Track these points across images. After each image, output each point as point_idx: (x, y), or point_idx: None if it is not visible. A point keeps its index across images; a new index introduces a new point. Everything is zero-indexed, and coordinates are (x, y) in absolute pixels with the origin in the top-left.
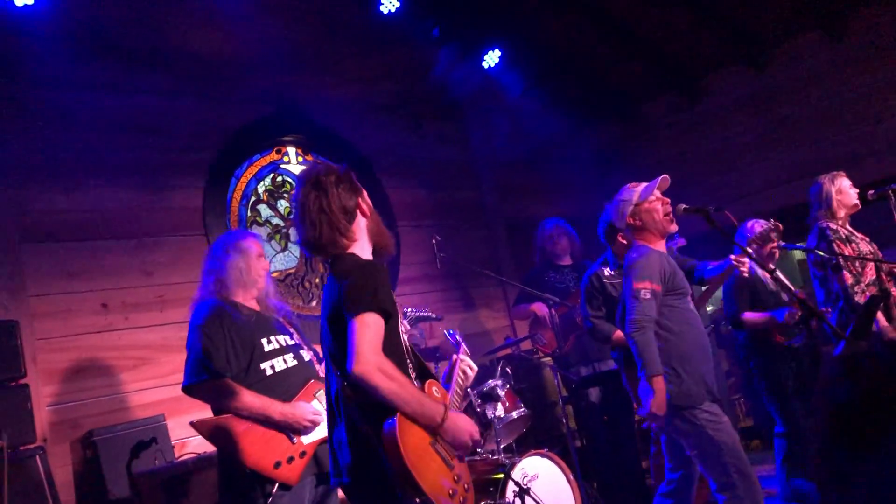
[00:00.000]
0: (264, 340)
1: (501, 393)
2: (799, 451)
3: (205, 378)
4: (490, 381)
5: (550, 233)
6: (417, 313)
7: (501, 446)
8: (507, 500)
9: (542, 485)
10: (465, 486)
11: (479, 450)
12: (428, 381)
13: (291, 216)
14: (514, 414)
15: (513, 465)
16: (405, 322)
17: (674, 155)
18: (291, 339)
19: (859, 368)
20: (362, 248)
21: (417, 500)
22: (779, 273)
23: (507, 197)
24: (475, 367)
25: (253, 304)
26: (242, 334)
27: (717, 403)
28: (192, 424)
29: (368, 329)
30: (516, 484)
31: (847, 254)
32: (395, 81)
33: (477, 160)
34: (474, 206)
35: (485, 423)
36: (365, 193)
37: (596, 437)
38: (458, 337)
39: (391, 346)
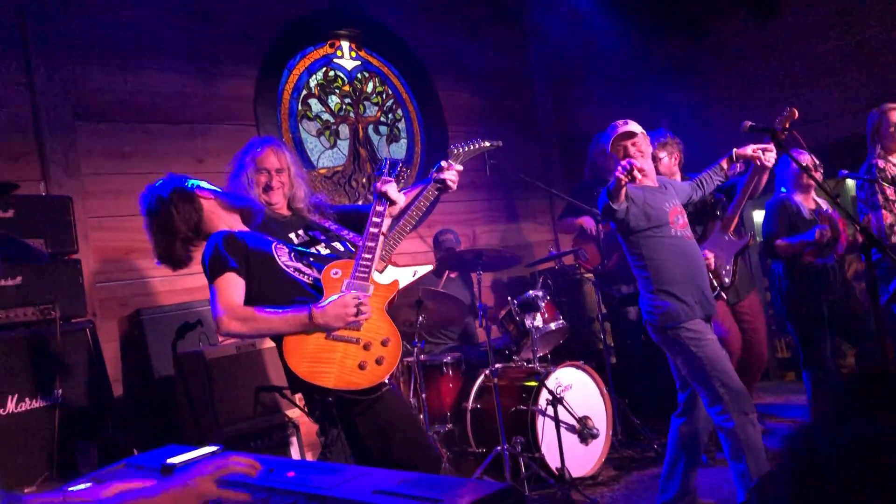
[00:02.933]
0: (292, 235)
1: (542, 304)
2: (825, 382)
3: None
4: (531, 292)
5: (604, 147)
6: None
7: (538, 355)
8: (539, 406)
9: (575, 395)
10: (381, 342)
11: (514, 357)
12: (327, 267)
13: (341, 112)
14: (553, 325)
15: (547, 375)
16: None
17: (740, 75)
18: (312, 231)
19: None
20: (222, 224)
21: (330, 399)
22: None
23: (562, 109)
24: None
25: (284, 211)
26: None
27: (709, 322)
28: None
29: (218, 291)
30: (550, 392)
31: (889, 194)
32: None
33: (533, 70)
34: (528, 117)
35: (522, 332)
36: (204, 183)
37: (632, 356)
38: (386, 167)
39: (263, 283)
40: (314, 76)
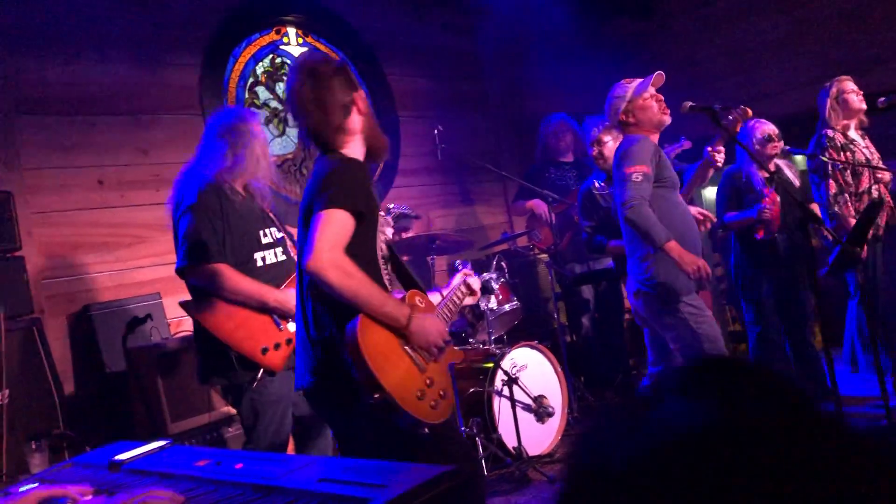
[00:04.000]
0: (261, 232)
1: (495, 286)
2: (768, 349)
3: (200, 262)
4: (484, 274)
5: (555, 128)
6: (399, 209)
7: (493, 337)
8: (495, 388)
9: (530, 375)
10: (441, 392)
11: (470, 340)
12: (411, 291)
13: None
14: (507, 307)
15: (503, 356)
16: (388, 219)
17: (686, 54)
18: (279, 231)
19: None
20: (355, 148)
21: (376, 396)
22: (787, 172)
23: (513, 91)
24: (478, 288)
25: (242, 192)
26: (242, 223)
27: (700, 293)
28: (182, 305)
29: (332, 225)
30: (505, 373)
31: (838, 160)
32: None
33: (482, 51)
34: (478, 99)
35: (477, 315)
36: (362, 92)
37: (586, 334)
38: (468, 265)
39: (362, 247)
40: (261, 63)
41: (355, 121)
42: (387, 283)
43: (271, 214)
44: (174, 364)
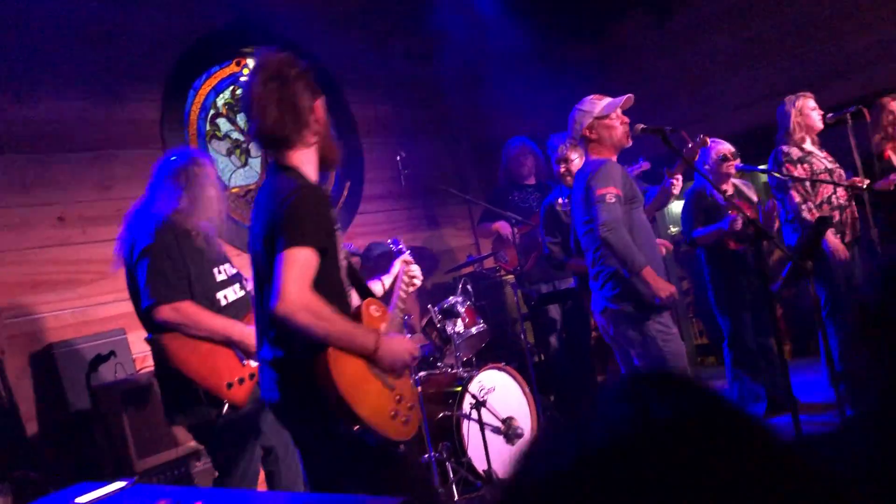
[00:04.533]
0: (216, 270)
1: (461, 309)
2: (746, 361)
3: (167, 300)
4: (451, 298)
5: (516, 152)
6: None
7: (461, 361)
8: (464, 411)
9: (499, 397)
10: (409, 405)
11: (438, 364)
12: (366, 301)
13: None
14: (473, 329)
15: (470, 379)
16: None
17: (643, 75)
18: (232, 267)
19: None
20: (307, 160)
21: (356, 427)
22: (741, 186)
23: (474, 115)
24: (420, 276)
25: (196, 232)
26: (197, 260)
27: (668, 312)
28: (148, 341)
29: (296, 265)
30: (473, 396)
31: (796, 174)
32: None
33: (444, 77)
34: (440, 124)
35: (444, 339)
36: (323, 99)
37: (554, 353)
38: (400, 245)
39: (327, 279)
40: (221, 95)
41: (314, 127)
42: (351, 303)
43: (223, 251)
44: (140, 400)
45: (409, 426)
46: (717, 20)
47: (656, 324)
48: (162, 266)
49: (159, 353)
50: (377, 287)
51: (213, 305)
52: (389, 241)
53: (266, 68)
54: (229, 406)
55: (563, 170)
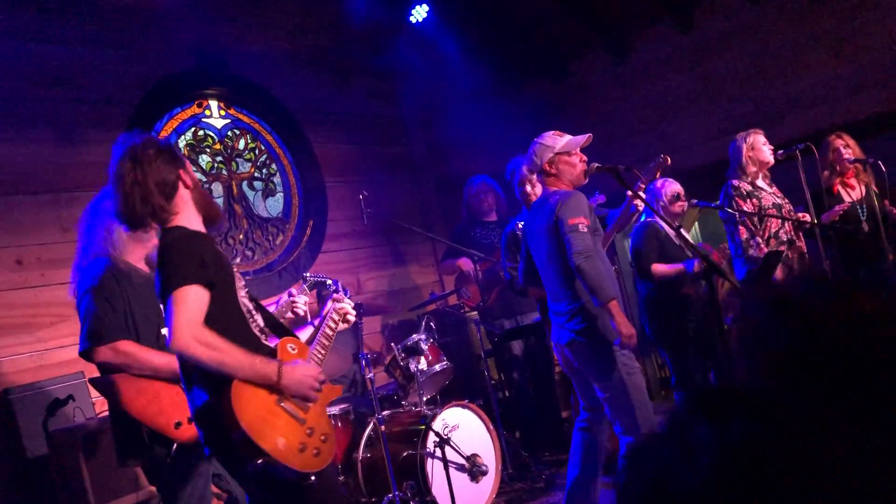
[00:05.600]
0: (162, 306)
1: (425, 347)
2: (692, 391)
3: (102, 342)
4: (414, 336)
5: (477, 190)
6: (315, 278)
7: (424, 399)
8: (427, 449)
9: (463, 434)
10: (322, 436)
11: (402, 402)
12: (283, 339)
13: (213, 171)
14: (437, 367)
15: (434, 417)
16: (304, 287)
17: (602, 112)
18: None
19: (790, 308)
20: (188, 219)
21: (259, 461)
22: (683, 231)
23: (436, 153)
24: (353, 313)
25: (143, 266)
26: (142, 296)
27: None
28: (91, 382)
29: (184, 303)
30: (437, 434)
31: (746, 209)
32: (321, 35)
33: (405, 116)
34: (403, 162)
35: (408, 377)
36: (188, 165)
37: (518, 389)
38: (338, 284)
39: (222, 312)
40: (183, 136)
41: (183, 195)
42: (258, 334)
43: None
44: (98, 444)
45: (320, 458)
46: (672, 60)
47: (622, 355)
48: (98, 307)
49: (105, 394)
50: (305, 333)
51: (160, 342)
52: (330, 281)
53: (125, 153)
54: (178, 445)
55: (529, 190)
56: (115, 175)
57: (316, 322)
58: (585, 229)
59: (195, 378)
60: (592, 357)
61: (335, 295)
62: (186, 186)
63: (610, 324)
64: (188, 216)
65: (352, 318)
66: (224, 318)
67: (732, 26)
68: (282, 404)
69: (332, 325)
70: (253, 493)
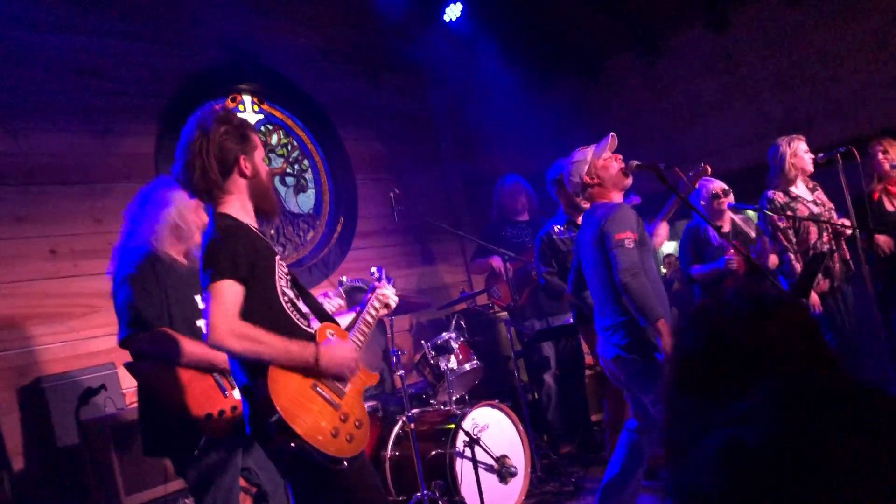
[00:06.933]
0: (198, 297)
1: (455, 346)
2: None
3: (139, 330)
4: (444, 334)
5: (509, 190)
6: (351, 283)
7: (454, 398)
8: (457, 449)
9: (492, 435)
10: (356, 422)
11: (431, 401)
12: (323, 324)
13: None
14: (467, 366)
15: (464, 416)
16: (340, 291)
17: (635, 113)
18: None
19: (704, 317)
20: (238, 207)
21: (293, 445)
22: (740, 223)
23: (467, 152)
24: (394, 299)
25: (183, 259)
26: (180, 288)
27: None
28: (127, 366)
29: (220, 297)
30: (466, 434)
31: (780, 224)
32: (354, 32)
33: (436, 114)
34: (433, 161)
35: (438, 375)
36: (257, 154)
37: (547, 391)
38: (382, 272)
39: (261, 302)
40: None
41: (237, 180)
42: (298, 321)
43: None
44: (129, 435)
45: (353, 444)
46: (704, 62)
47: None
48: (137, 296)
49: (139, 381)
50: (346, 319)
51: (194, 334)
52: (374, 268)
53: (197, 120)
54: (206, 439)
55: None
56: (183, 140)
57: (357, 309)
58: (632, 244)
59: (235, 365)
60: (638, 372)
61: (376, 283)
62: (242, 174)
63: (655, 340)
64: (239, 202)
65: (392, 303)
66: (262, 309)
67: (768, 28)
68: (317, 389)
69: (373, 312)
70: (292, 478)
